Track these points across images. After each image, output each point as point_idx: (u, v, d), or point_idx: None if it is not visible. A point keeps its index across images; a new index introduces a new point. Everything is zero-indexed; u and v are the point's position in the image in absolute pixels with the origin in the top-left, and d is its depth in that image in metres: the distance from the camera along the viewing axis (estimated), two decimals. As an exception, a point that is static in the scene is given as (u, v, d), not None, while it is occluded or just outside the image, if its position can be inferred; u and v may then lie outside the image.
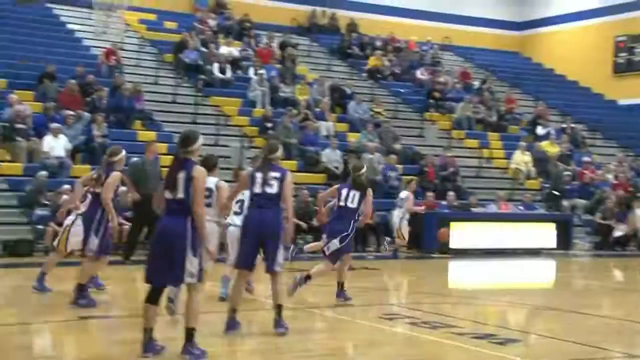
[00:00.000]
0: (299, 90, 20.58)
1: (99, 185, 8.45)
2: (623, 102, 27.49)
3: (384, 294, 11.07)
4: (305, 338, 7.30)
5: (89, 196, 8.61)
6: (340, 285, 9.19)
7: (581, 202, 19.68)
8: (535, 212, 18.37)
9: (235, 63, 21.18)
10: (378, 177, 17.72)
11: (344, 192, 8.95)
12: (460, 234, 16.11)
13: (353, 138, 19.41)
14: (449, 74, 24.59)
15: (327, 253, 8.89)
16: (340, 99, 21.20)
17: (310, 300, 9.37)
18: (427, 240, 16.13)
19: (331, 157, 17.95)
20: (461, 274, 14.49)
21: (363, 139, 19.10)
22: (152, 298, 6.11)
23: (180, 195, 5.95)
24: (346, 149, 18.52)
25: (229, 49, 21.60)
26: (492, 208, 17.81)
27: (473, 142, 21.44)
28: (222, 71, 20.44)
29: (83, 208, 8.70)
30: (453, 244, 15.86)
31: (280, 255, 7.12)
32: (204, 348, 6.09)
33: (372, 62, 24.07)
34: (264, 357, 6.59)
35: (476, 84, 24.83)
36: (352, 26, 26.24)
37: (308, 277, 8.84)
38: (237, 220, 8.36)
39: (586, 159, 21.28)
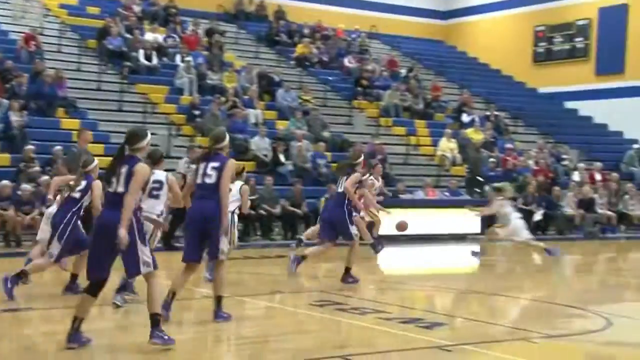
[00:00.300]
0: (226, 77, 20.41)
1: (75, 191, 8.35)
2: (543, 90, 28.33)
3: (313, 281, 11.15)
4: (238, 325, 7.30)
5: (60, 198, 8.61)
6: (347, 270, 9.92)
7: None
8: (460, 197, 18.78)
9: (161, 50, 20.85)
10: (307, 164, 17.78)
11: (338, 179, 9.95)
12: (388, 221, 16.30)
13: (282, 126, 19.41)
14: (377, 62, 24.82)
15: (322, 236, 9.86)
16: (268, 86, 21.14)
17: (241, 289, 9.37)
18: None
19: (260, 145, 17.90)
20: (389, 260, 14.70)
21: (292, 126, 19.12)
22: (92, 290, 6.06)
23: (120, 189, 5.93)
24: (275, 136, 18.50)
25: (155, 36, 21.24)
26: (420, 194, 18.13)
27: (400, 130, 21.73)
28: (148, 58, 20.09)
29: (55, 207, 8.64)
30: (381, 231, 16.04)
31: (223, 243, 7.13)
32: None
33: (300, 49, 24.08)
34: (199, 345, 6.57)
35: (403, 72, 25.14)
36: (280, 13, 26.16)
37: (304, 257, 10.09)
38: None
39: (509, 145, 21.85)
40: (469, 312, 8.93)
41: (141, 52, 19.99)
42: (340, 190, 9.90)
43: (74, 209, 8.25)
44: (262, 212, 15.72)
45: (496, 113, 23.88)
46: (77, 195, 8.28)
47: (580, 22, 27.82)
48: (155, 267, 6.10)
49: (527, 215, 18.99)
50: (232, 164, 7.21)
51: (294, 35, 25.18)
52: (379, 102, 22.49)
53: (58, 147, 15.01)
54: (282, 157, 17.70)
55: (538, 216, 18.94)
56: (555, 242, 18.35)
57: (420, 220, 16.92)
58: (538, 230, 19.13)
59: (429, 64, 27.89)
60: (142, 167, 5.99)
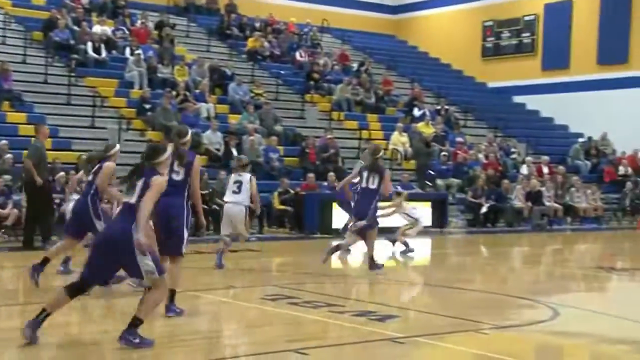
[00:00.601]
0: (177, 71, 20.21)
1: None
2: (492, 84, 28.77)
3: (266, 276, 11.14)
4: (191, 321, 7.25)
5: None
6: (371, 259, 10.46)
7: (455, 181, 20.46)
8: (412, 191, 18.91)
9: (109, 43, 20.51)
10: (259, 158, 17.74)
11: (365, 174, 10.34)
12: (341, 214, 16.36)
13: (234, 120, 19.31)
14: (328, 56, 24.86)
15: (353, 229, 10.42)
16: (220, 80, 21.00)
17: (194, 283, 9.30)
18: (309, 220, 16.32)
19: (212, 139, 17.79)
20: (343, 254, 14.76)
21: (244, 120, 19.05)
22: (72, 292, 6.05)
23: (134, 200, 6.03)
24: (227, 130, 18.40)
25: (103, 28, 20.88)
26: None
27: (352, 124, 21.81)
28: (97, 51, 19.75)
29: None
30: (334, 224, 16.10)
31: (185, 239, 7.25)
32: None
33: (251, 43, 23.96)
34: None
35: (354, 66, 25.24)
36: (231, 7, 25.98)
37: (337, 247, 10.60)
38: (233, 198, 10.53)
39: (459, 139, 22.13)
40: (421, 304, 9.03)
41: (89, 45, 19.65)
42: (372, 187, 10.34)
43: (91, 192, 8.56)
44: (214, 206, 15.62)
45: (446, 107, 24.16)
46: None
47: (527, 18, 28.31)
48: (160, 272, 6.04)
49: (476, 208, 19.36)
50: (199, 159, 7.37)
51: (246, 29, 25.05)
52: (331, 96, 22.54)
53: (4, 142, 14.70)
54: (234, 151, 17.62)
55: (485, 209, 19.23)
56: (504, 234, 18.73)
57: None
58: (487, 222, 19.46)
59: (380, 58, 28.05)
60: (158, 180, 6.06)
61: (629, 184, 22.01)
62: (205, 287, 9.35)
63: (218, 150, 17.63)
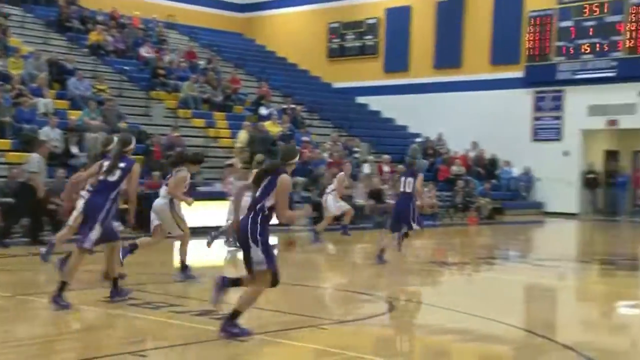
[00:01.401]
0: (12, 63, 19.18)
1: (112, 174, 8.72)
2: (337, 85, 29.50)
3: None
4: (25, 325, 6.96)
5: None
6: (381, 251, 11.93)
7: (300, 179, 20.79)
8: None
9: (-64, 31, 19.15)
10: (101, 156, 17.17)
11: (402, 179, 11.74)
12: (188, 214, 16.16)
13: (74, 116, 18.57)
14: (175, 53, 24.50)
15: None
16: (59, 74, 20.13)
17: (27, 286, 8.91)
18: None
19: (50, 135, 17.00)
20: (190, 254, 14.59)
21: (85, 116, 18.37)
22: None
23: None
24: (67, 127, 17.68)
25: None
26: (218, 187, 18.14)
27: (199, 122, 21.63)
28: None
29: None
30: (193, 223, 15.86)
31: (94, 234, 7.76)
32: None
33: (93, 37, 23.15)
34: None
35: (202, 63, 25.03)
36: (71, -2, 25.00)
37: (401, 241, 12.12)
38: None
39: (305, 138, 22.52)
40: (267, 301, 9.12)
41: None
42: (408, 190, 11.63)
43: (111, 195, 8.08)
44: (52, 206, 14.95)
45: (293, 106, 24.50)
46: (114, 178, 8.06)
47: (370, 21, 29.27)
48: (269, 265, 6.56)
49: (320, 206, 19.75)
50: (138, 166, 8.19)
51: (87, 22, 24.17)
52: (178, 94, 22.23)
53: None
54: (74, 149, 16.97)
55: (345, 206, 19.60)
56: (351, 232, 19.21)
57: (220, 214, 16.98)
58: (333, 219, 19.87)
59: (227, 56, 27.99)
60: (286, 178, 6.56)
61: (460, 182, 23.31)
62: (39, 290, 8.96)
63: (56, 147, 16.90)
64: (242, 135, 21.18)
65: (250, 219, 6.48)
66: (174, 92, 22.34)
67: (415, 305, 9.11)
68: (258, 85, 25.70)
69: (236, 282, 6.78)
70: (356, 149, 23.73)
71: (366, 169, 22.36)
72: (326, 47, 30.21)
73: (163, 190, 10.30)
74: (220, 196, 17.61)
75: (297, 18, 31.04)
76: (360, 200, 20.42)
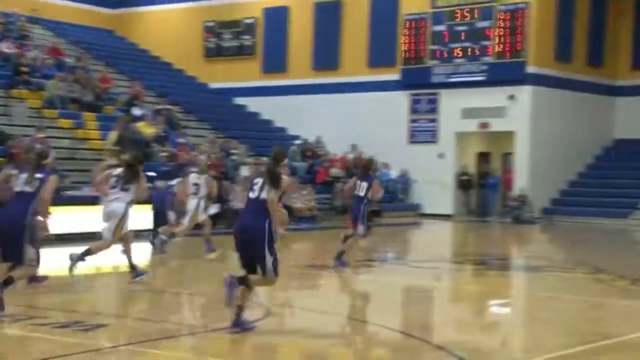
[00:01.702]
0: None
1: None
2: (214, 85, 28.94)
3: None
4: None
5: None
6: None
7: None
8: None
9: None
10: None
11: (358, 182, 11.84)
12: (57, 219, 15.21)
13: None
14: (38, 49, 23.21)
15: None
16: None
17: None
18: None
19: None
20: (53, 262, 13.72)
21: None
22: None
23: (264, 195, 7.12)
24: None
25: None
26: (87, 191, 17.22)
27: (67, 122, 20.52)
28: None
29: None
30: (51, 229, 14.90)
31: (28, 252, 7.69)
32: None
33: (-52, 30, 21.56)
34: None
35: (70, 61, 23.84)
36: None
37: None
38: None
39: (181, 140, 21.85)
40: (136, 310, 8.62)
41: None
42: (361, 194, 11.84)
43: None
44: None
45: (168, 107, 23.77)
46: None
47: (247, 21, 28.90)
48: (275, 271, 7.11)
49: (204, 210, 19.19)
50: (55, 177, 8.11)
51: (-59, 14, 22.49)
52: (43, 92, 21.02)
53: None
54: None
55: (214, 209, 19.09)
56: (224, 236, 18.76)
57: (88, 218, 16.11)
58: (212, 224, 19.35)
59: (98, 54, 26.85)
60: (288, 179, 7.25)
61: (339, 185, 23.30)
62: None
63: None
64: (112, 136, 20.27)
65: (266, 222, 6.87)
66: (38, 90, 21.11)
67: (292, 310, 8.86)
68: (130, 84, 24.77)
69: (243, 281, 7.01)
70: (234, 151, 23.28)
71: (244, 171, 21.96)
72: (202, 46, 29.57)
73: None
74: (88, 201, 16.75)
75: (172, 16, 30.23)
76: (238, 204, 19.99)
